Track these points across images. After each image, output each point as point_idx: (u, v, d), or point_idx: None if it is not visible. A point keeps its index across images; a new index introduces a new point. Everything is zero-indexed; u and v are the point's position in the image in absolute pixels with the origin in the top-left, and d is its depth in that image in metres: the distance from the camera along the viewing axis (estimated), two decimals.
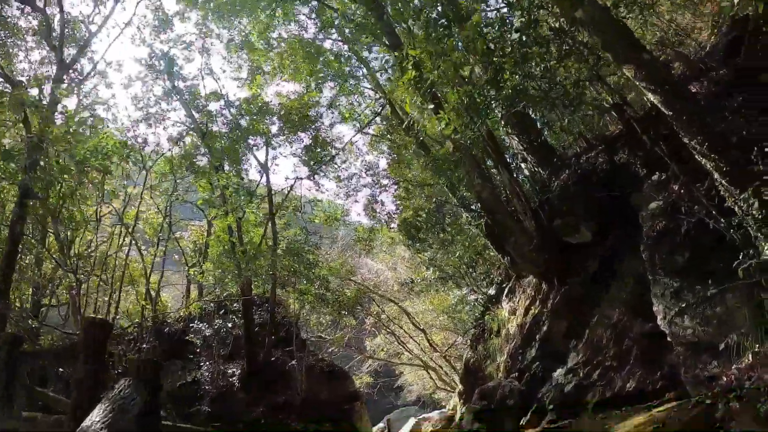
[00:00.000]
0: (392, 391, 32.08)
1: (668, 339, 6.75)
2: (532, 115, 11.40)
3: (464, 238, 13.58)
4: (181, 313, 18.58)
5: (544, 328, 9.89)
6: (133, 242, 17.38)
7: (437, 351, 24.52)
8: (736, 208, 5.61)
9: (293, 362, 15.04)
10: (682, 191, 6.99)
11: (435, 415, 26.29)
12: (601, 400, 8.14)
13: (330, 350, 22.18)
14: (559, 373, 9.27)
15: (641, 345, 7.64)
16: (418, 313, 26.65)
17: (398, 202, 18.96)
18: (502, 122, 11.13)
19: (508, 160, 11.39)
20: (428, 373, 24.78)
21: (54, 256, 14.91)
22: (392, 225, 19.66)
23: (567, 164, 10.05)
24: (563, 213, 9.16)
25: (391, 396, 31.46)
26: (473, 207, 11.83)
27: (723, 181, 5.67)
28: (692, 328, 6.25)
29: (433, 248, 15.66)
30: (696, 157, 5.95)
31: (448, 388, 24.16)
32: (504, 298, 12.39)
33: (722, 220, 5.95)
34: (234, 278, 14.87)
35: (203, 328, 14.86)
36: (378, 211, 20.64)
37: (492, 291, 12.81)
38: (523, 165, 12.13)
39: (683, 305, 6.39)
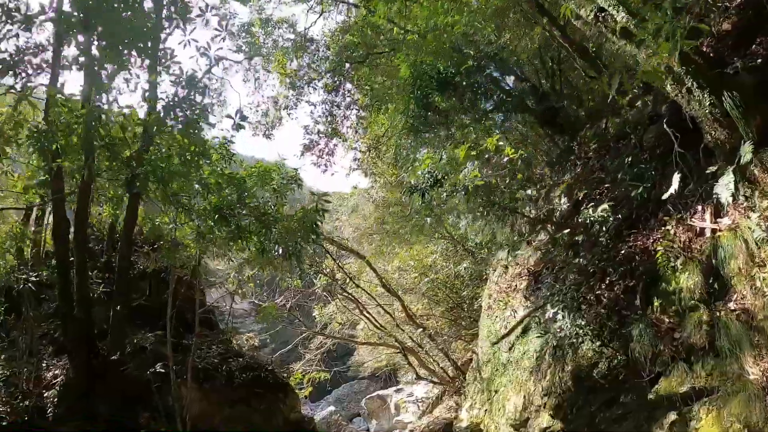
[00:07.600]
0: (340, 360, 24.60)
1: None
2: None
3: None
4: None
5: None
6: None
7: (420, 327, 17.03)
8: None
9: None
10: None
11: (401, 399, 19.11)
12: None
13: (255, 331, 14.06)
14: None
15: None
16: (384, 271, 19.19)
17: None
18: None
19: None
20: (407, 358, 17.20)
21: None
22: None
23: None
24: None
25: (338, 365, 23.77)
26: None
27: None
28: None
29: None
30: None
31: (435, 379, 16.88)
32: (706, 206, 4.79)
33: None
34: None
35: None
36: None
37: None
38: None
39: None
